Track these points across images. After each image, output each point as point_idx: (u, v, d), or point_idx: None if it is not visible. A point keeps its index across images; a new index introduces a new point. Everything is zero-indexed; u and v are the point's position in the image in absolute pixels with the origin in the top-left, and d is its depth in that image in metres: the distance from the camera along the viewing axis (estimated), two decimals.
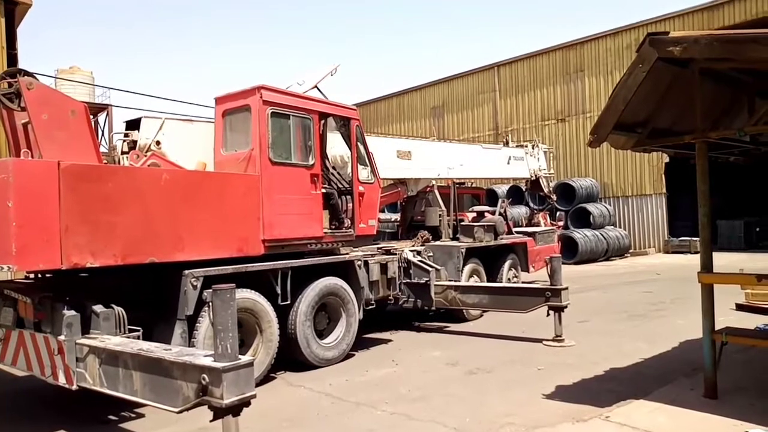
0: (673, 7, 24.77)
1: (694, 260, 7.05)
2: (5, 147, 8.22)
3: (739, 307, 10.12)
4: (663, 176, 23.92)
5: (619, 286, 14.95)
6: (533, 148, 15.74)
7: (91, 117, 6.60)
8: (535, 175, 15.66)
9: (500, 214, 12.92)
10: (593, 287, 14.76)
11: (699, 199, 5.66)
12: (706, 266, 5.68)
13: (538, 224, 16.14)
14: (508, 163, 14.58)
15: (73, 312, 5.15)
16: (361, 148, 8.52)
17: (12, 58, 11.02)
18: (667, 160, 22.95)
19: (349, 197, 8.31)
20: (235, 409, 3.79)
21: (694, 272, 5.73)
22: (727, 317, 8.67)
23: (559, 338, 8.38)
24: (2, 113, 6.25)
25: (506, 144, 15.79)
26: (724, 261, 14.69)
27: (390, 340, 9.20)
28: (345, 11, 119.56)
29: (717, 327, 5.67)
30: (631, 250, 24.29)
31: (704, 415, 5.08)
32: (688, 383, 6.00)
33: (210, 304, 4.06)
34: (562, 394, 6.00)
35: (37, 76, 6.06)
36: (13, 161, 5.11)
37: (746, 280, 6.30)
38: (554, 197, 17.28)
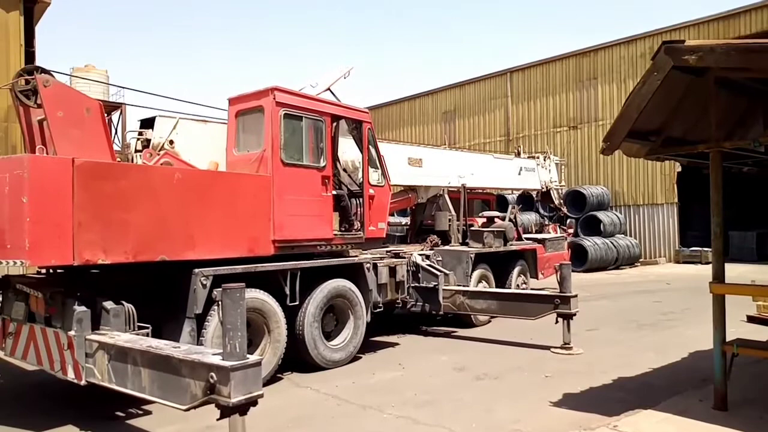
0: (688, 16, 24.66)
1: (705, 271, 7.00)
2: (21, 143, 8.32)
3: (751, 319, 10.03)
4: (675, 185, 23.77)
5: (628, 295, 14.85)
6: (545, 160, 15.72)
7: (106, 115, 6.66)
8: (546, 187, 15.63)
9: (510, 220, 12.90)
10: (602, 295, 14.66)
11: (712, 209, 5.61)
12: (718, 276, 5.62)
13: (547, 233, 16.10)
14: (519, 173, 14.57)
15: (83, 308, 5.21)
16: (373, 151, 8.53)
17: (30, 56, 11.16)
18: (679, 169, 22.79)
19: (359, 200, 8.33)
20: (242, 408, 3.81)
21: (705, 283, 5.69)
22: (737, 329, 8.57)
23: (567, 346, 8.34)
24: (19, 110, 6.34)
25: (518, 154, 15.76)
26: (735, 272, 14.57)
27: (397, 344, 9.19)
28: (361, 15, 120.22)
29: (728, 338, 5.61)
30: (641, 260, 24.13)
31: (713, 427, 5.02)
32: (698, 394, 5.93)
33: (219, 303, 4.08)
34: (570, 402, 5.97)
35: (53, 73, 6.13)
36: (28, 157, 5.17)
37: (759, 291, 6.25)
38: (565, 209, 17.19)
